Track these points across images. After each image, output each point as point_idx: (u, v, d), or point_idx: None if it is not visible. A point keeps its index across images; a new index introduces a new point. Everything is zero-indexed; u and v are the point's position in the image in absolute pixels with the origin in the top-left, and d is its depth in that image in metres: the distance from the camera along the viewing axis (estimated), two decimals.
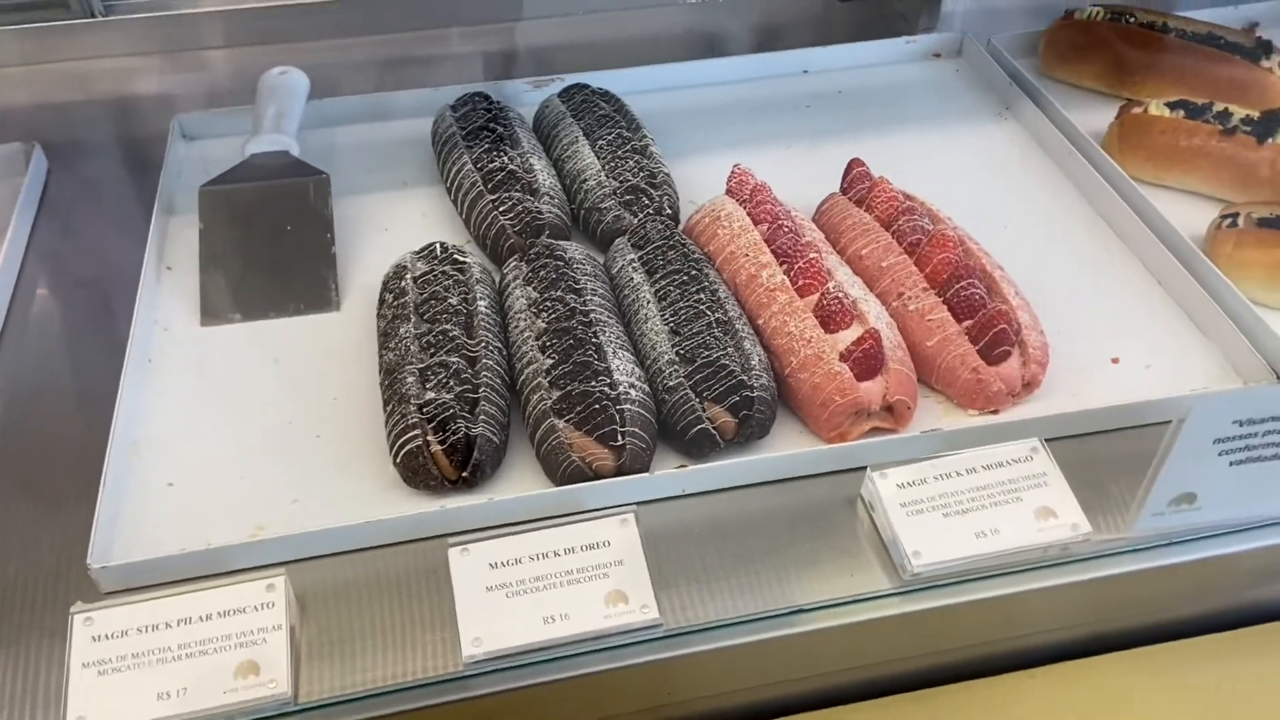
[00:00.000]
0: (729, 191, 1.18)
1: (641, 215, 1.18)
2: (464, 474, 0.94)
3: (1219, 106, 1.27)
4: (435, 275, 1.07)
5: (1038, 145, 1.39)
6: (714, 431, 0.97)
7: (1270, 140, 1.22)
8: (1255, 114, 1.25)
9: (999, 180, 1.35)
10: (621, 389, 0.95)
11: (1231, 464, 0.86)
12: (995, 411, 1.03)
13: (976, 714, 0.94)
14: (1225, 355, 1.08)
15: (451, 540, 0.87)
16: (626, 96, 1.44)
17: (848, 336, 1.00)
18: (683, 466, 0.97)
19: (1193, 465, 0.86)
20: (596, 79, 1.45)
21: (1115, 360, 1.09)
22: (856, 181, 1.21)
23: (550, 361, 0.98)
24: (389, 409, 0.97)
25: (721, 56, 1.57)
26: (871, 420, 1.00)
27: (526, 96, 1.46)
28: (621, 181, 1.21)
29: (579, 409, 0.94)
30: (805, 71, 1.56)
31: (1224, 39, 1.40)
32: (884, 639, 0.91)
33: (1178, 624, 0.98)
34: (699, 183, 1.29)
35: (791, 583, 0.90)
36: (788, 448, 1.00)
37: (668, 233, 1.12)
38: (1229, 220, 1.16)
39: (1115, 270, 1.20)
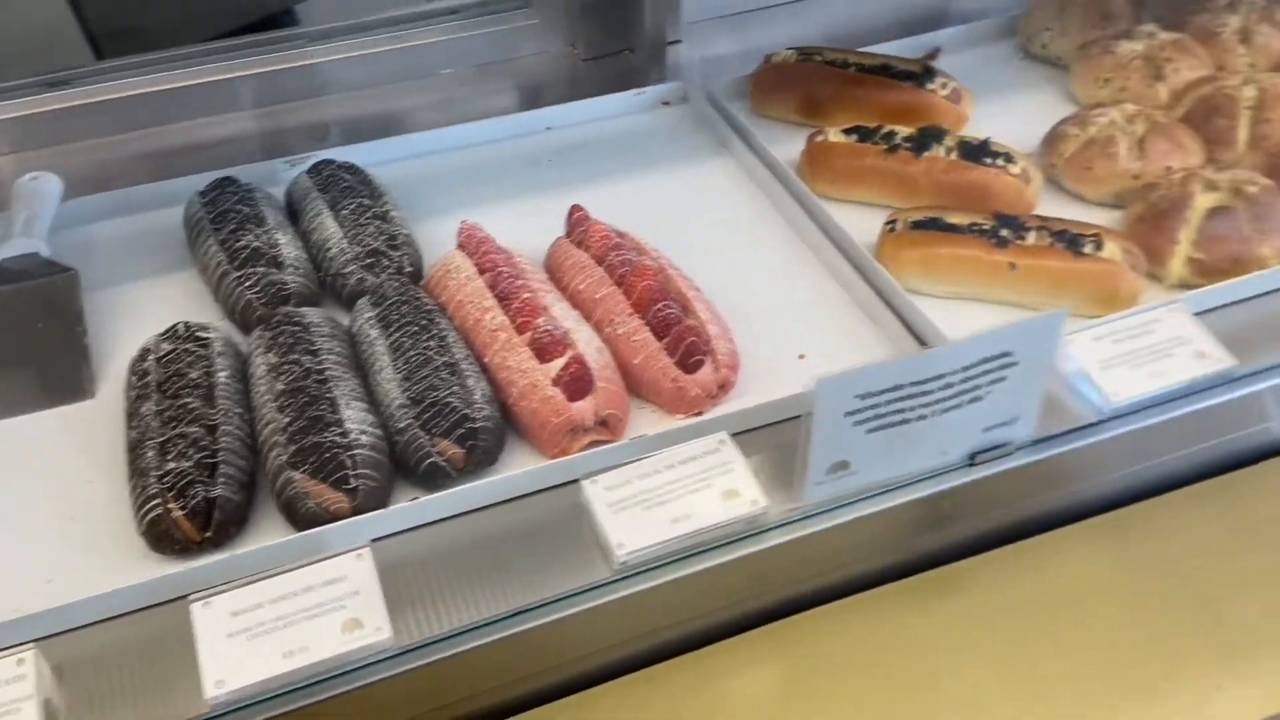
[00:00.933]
0: (460, 246, 1.30)
1: (382, 276, 1.29)
2: (207, 534, 1.02)
3: (886, 129, 1.47)
4: (178, 354, 1.15)
5: (747, 176, 1.56)
6: (444, 464, 1.08)
7: (925, 154, 1.42)
8: (914, 132, 1.46)
9: (715, 209, 1.51)
10: (352, 436, 1.05)
11: (868, 432, 1.02)
12: (699, 413, 1.17)
13: (699, 684, 1.07)
14: (892, 342, 1.26)
15: (194, 596, 0.95)
16: (381, 166, 1.56)
17: (560, 364, 1.13)
18: (416, 499, 1.08)
19: (836, 437, 1.01)
20: (348, 153, 1.56)
21: (802, 356, 1.25)
22: (576, 225, 1.35)
23: (287, 420, 1.07)
24: (132, 483, 1.05)
25: (480, 119, 1.72)
26: (589, 435, 1.13)
27: (284, 174, 1.55)
28: (363, 246, 1.32)
29: (312, 459, 1.03)
30: (548, 129, 1.70)
31: (896, 68, 1.61)
32: (604, 624, 1.03)
33: (864, 578, 1.14)
34: (443, 241, 1.41)
35: (519, 588, 1.02)
36: (521, 470, 1.12)
37: (403, 290, 1.23)
38: (890, 225, 1.34)
39: (805, 278, 1.38)
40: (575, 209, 1.37)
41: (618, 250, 1.26)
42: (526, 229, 1.42)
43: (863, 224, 1.40)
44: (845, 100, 1.60)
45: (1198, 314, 1.24)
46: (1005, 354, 1.03)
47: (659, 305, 1.18)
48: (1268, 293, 1.28)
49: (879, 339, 1.27)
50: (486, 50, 1.89)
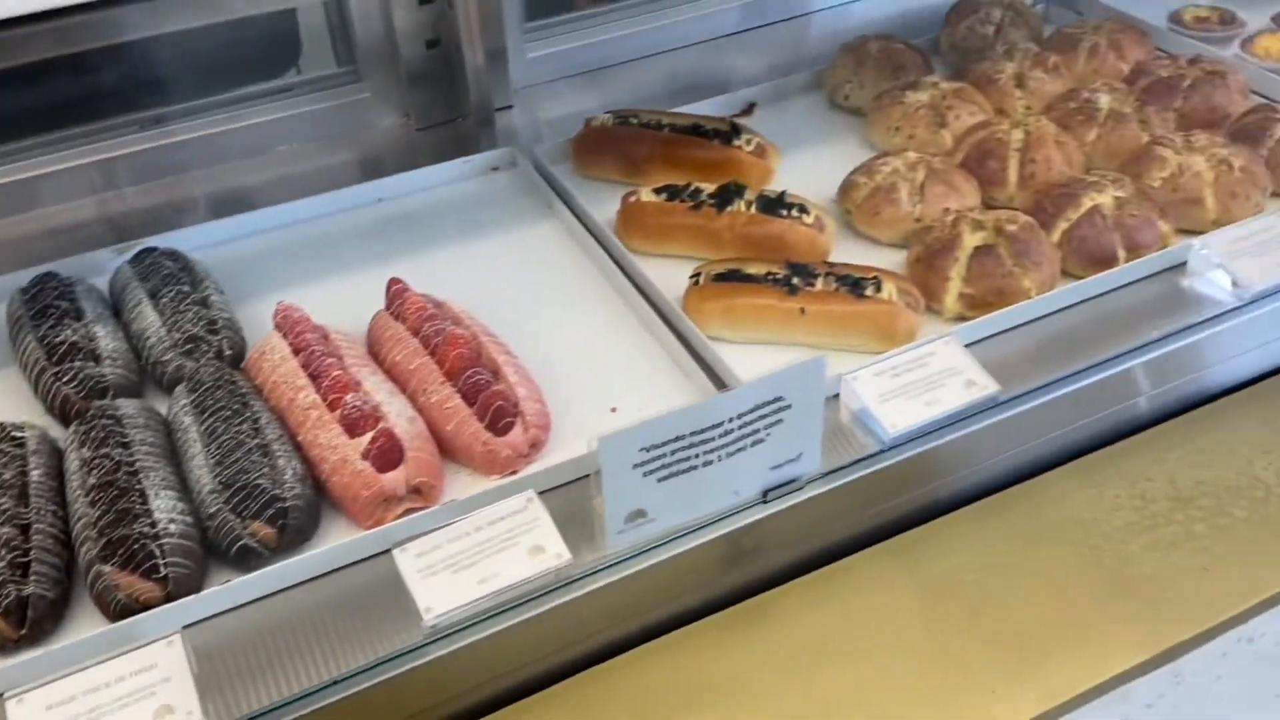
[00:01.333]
0: (276, 327, 1.34)
1: (200, 361, 1.32)
2: (22, 632, 1.04)
3: (693, 187, 1.56)
4: None
5: (569, 237, 1.64)
6: (256, 545, 1.11)
7: (728, 209, 1.52)
8: (722, 187, 1.56)
9: (539, 271, 1.58)
10: (161, 526, 1.08)
11: (659, 480, 1.09)
12: (514, 472, 1.23)
13: None
14: (698, 390, 1.34)
15: (9, 694, 0.96)
16: (212, 248, 1.60)
17: (369, 438, 1.17)
18: (228, 581, 1.11)
19: (628, 489, 1.08)
20: (177, 238, 1.59)
21: (614, 409, 1.33)
22: (394, 298, 1.40)
23: (97, 514, 1.09)
24: None
25: (315, 195, 1.76)
26: (403, 503, 1.17)
27: (111, 264, 1.57)
28: (182, 333, 1.35)
29: (121, 551, 1.06)
30: (379, 200, 1.76)
31: (706, 128, 1.71)
32: (420, 686, 1.07)
33: (678, 616, 1.21)
34: (271, 322, 1.44)
35: (333, 659, 1.05)
36: (329, 546, 1.16)
37: (219, 374, 1.27)
38: (695, 278, 1.43)
39: (621, 332, 1.45)
40: (394, 282, 1.42)
41: (432, 321, 1.32)
42: (357, 302, 1.47)
43: (675, 277, 1.49)
44: (659, 160, 1.69)
45: (969, 345, 1.36)
46: (778, 399, 1.11)
47: (469, 372, 1.24)
48: (1029, 321, 1.40)
49: (687, 387, 1.35)
50: (322, 125, 1.94)
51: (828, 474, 1.22)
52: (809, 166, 1.74)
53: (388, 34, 1.87)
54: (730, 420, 1.09)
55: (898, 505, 1.29)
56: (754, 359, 1.37)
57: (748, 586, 1.23)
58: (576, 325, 1.48)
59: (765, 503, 1.19)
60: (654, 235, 1.55)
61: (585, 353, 1.42)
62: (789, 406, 1.12)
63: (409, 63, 1.88)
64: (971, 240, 1.42)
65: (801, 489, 1.20)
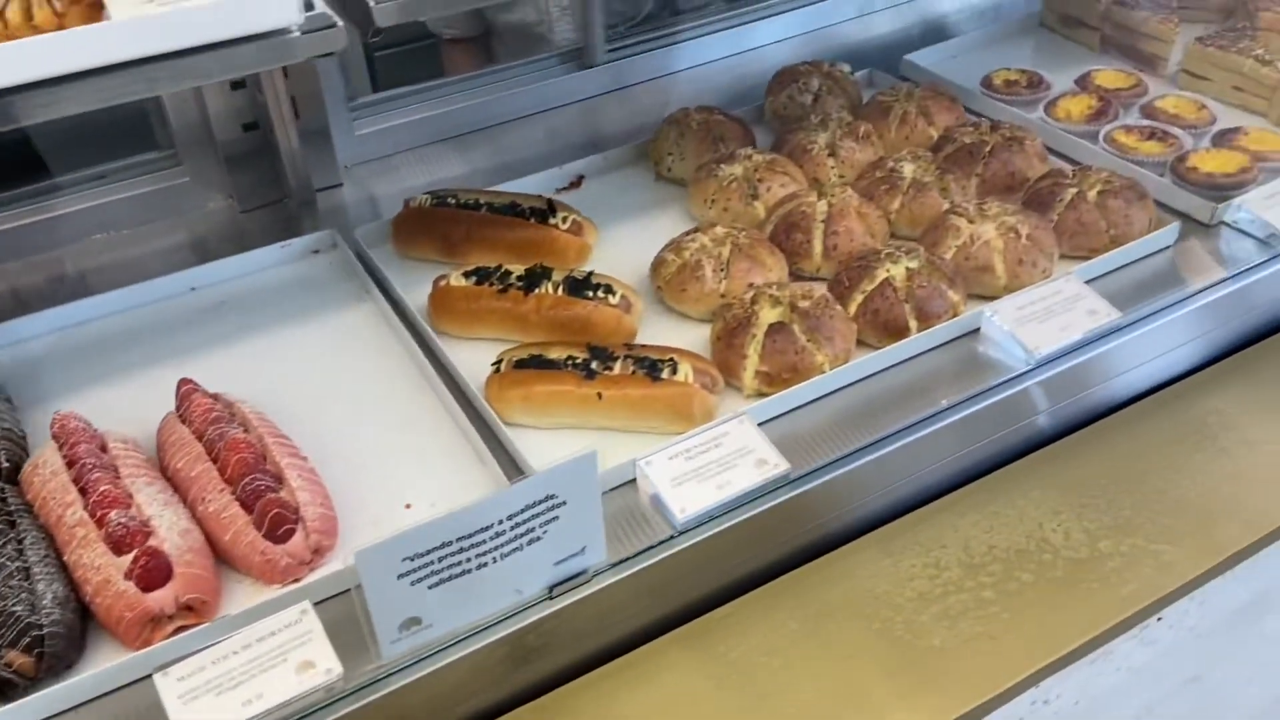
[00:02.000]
0: (54, 438, 1.30)
1: None
2: None
3: (503, 269, 1.56)
4: None
5: (384, 322, 1.63)
6: (12, 675, 1.06)
7: (535, 292, 1.52)
8: (529, 270, 1.57)
9: (351, 358, 1.56)
10: None
11: (430, 587, 1.08)
12: (297, 580, 1.20)
13: None
14: (496, 480, 1.33)
15: None
16: (9, 348, 1.54)
17: (133, 556, 1.13)
18: None
19: (395, 598, 1.06)
20: None
21: (409, 506, 1.31)
22: (182, 400, 1.37)
23: None
24: None
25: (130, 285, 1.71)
26: (175, 622, 1.13)
27: None
28: None
29: None
30: (192, 289, 1.72)
31: (522, 206, 1.72)
32: None
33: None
34: None
35: None
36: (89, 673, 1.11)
37: None
38: (496, 366, 1.43)
39: (425, 422, 1.44)
40: (184, 383, 1.39)
41: (216, 424, 1.29)
42: (160, 401, 1.43)
43: (486, 362, 1.48)
44: (476, 240, 1.69)
45: (766, 422, 1.39)
46: (550, 496, 1.11)
47: (249, 478, 1.21)
48: (826, 395, 1.43)
49: (487, 478, 1.34)
50: (141, 212, 1.90)
51: (616, 564, 1.22)
52: (632, 240, 1.76)
53: (203, 118, 1.84)
54: (500, 522, 1.09)
55: (693, 589, 1.30)
56: (556, 445, 1.38)
57: (540, 684, 1.22)
58: (382, 415, 1.46)
59: (551, 598, 1.18)
60: (463, 319, 1.55)
61: (388, 444, 1.41)
62: (564, 503, 1.12)
63: (227, 145, 1.86)
64: (768, 317, 1.45)
65: (588, 582, 1.20)
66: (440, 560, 1.07)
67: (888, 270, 1.52)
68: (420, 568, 1.06)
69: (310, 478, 1.27)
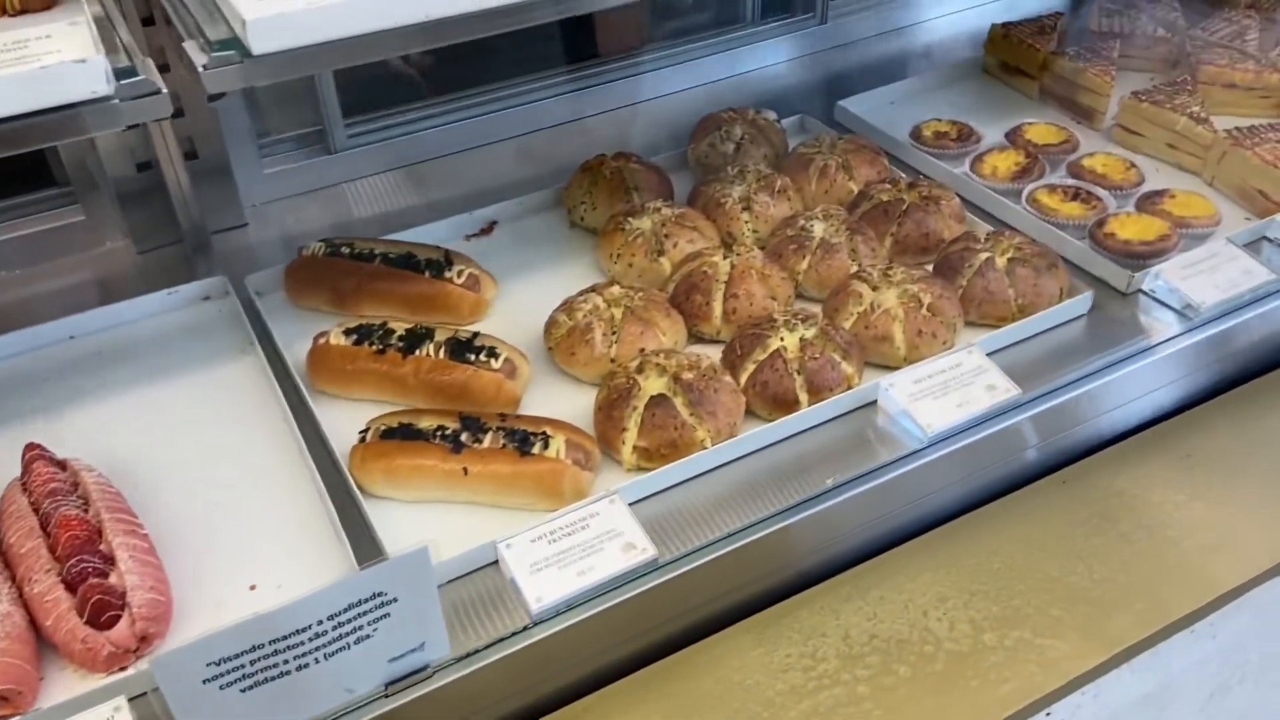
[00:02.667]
0: None
1: None
2: None
3: (384, 328, 1.50)
4: None
5: (264, 377, 1.56)
6: None
7: (414, 354, 1.46)
8: (410, 329, 1.51)
9: (223, 419, 1.50)
10: None
11: (242, 691, 1.01)
12: (124, 668, 1.14)
13: None
14: (350, 560, 1.27)
15: None
16: None
17: None
18: None
19: (202, 704, 1.00)
20: None
21: (253, 587, 1.25)
22: (26, 467, 1.30)
23: None
24: None
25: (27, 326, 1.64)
26: None
27: None
28: None
29: None
30: (71, 338, 1.66)
31: (418, 258, 1.66)
32: None
33: None
34: None
35: None
36: None
37: None
38: (363, 434, 1.37)
39: (286, 491, 1.37)
40: (30, 448, 1.32)
41: (53, 497, 1.22)
42: (13, 463, 1.36)
43: (361, 425, 1.42)
44: (367, 293, 1.63)
45: (638, 502, 1.33)
46: (378, 594, 1.05)
47: (76, 559, 1.15)
48: (704, 473, 1.37)
49: (343, 558, 1.28)
50: (33, 251, 1.84)
51: (464, 657, 1.16)
52: (539, 292, 1.69)
53: (95, 156, 1.78)
54: (320, 623, 1.02)
55: (553, 680, 1.24)
56: (419, 521, 1.32)
57: None
58: (245, 483, 1.39)
59: (388, 696, 1.12)
60: (341, 380, 1.49)
61: (246, 516, 1.34)
62: (394, 600, 1.06)
63: (120, 184, 1.79)
64: (651, 388, 1.39)
65: (429, 677, 1.14)
66: (253, 664, 1.00)
67: (781, 339, 1.46)
68: (229, 672, 0.99)
69: (144, 558, 1.20)
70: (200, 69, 1.03)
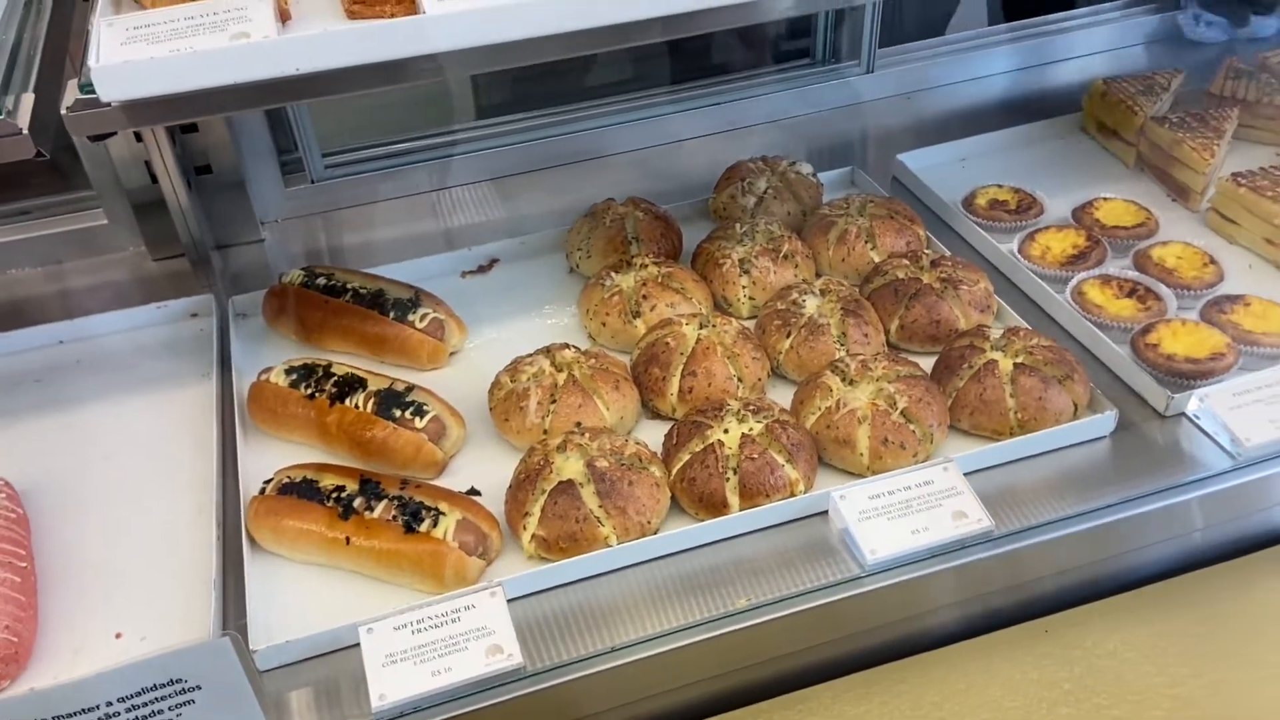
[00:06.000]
0: None
1: None
2: None
3: (323, 371, 1.45)
4: None
5: (214, 407, 1.54)
6: None
7: (341, 404, 1.40)
8: (346, 376, 1.45)
9: (162, 446, 1.49)
10: None
11: None
12: None
13: None
14: (214, 621, 1.22)
15: None
16: None
17: None
18: None
19: None
20: None
21: (119, 636, 1.21)
22: None
23: None
24: None
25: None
26: None
27: None
28: None
29: None
30: (60, 342, 1.69)
31: (388, 296, 1.61)
32: None
33: None
34: None
35: None
36: None
37: None
38: (264, 486, 1.32)
39: (190, 535, 1.33)
40: None
41: None
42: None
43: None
44: (330, 329, 1.59)
45: (523, 597, 1.22)
46: (176, 680, 0.99)
47: None
48: (592, 577, 1.24)
49: (201, 621, 1.23)
50: (59, 250, 1.90)
51: None
52: (518, 339, 1.60)
53: (110, 164, 1.82)
54: (110, 704, 0.97)
55: None
56: (301, 585, 1.26)
57: None
58: (149, 520, 1.37)
59: None
60: (273, 421, 1.45)
61: (137, 556, 1.32)
62: (198, 688, 1.00)
63: (134, 193, 1.83)
64: (564, 471, 1.27)
65: None
66: None
67: (725, 431, 1.31)
68: None
69: (11, 594, 1.19)
70: (64, 111, 1.00)
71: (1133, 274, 1.61)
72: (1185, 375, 1.41)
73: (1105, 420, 1.38)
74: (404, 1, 1.05)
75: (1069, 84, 2.29)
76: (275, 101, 1.05)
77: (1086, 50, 2.40)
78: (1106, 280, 1.59)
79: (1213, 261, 1.63)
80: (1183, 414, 1.40)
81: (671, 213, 1.84)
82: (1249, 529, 1.38)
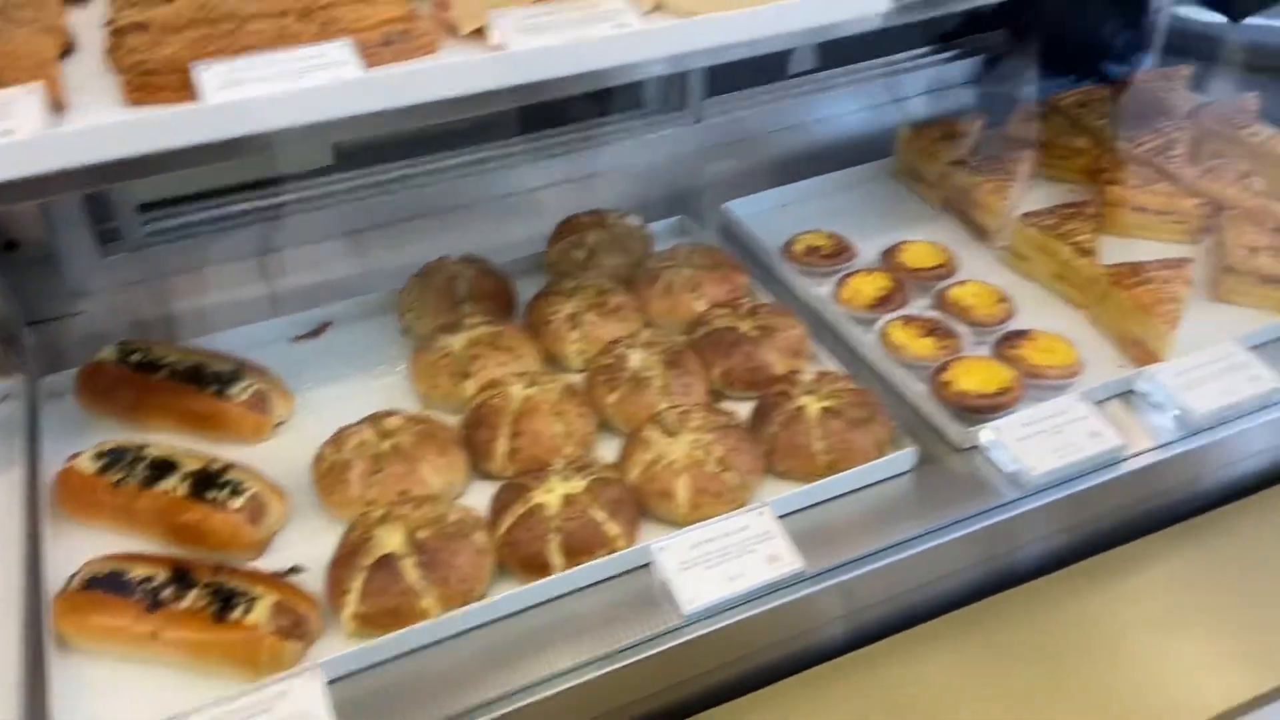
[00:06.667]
0: None
1: None
2: None
3: (135, 455, 1.40)
4: None
5: (19, 497, 1.48)
6: None
7: (154, 488, 1.36)
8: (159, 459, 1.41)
9: None
10: None
11: None
12: None
13: None
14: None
15: None
16: None
17: None
18: None
19: None
20: None
21: None
22: None
23: None
24: None
25: None
26: None
27: None
28: None
29: None
30: None
31: (207, 370, 1.57)
32: None
33: None
34: None
35: None
36: None
37: None
38: (71, 578, 1.27)
39: None
40: None
41: None
42: None
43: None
44: (148, 408, 1.55)
45: (344, 678, 1.21)
46: None
47: None
48: (418, 649, 1.25)
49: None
50: None
51: None
52: (349, 407, 1.54)
53: None
54: None
55: None
56: (113, 684, 1.22)
57: None
58: None
59: None
60: (83, 510, 1.40)
61: None
62: None
63: None
64: (386, 544, 1.27)
65: None
66: None
67: (549, 491, 1.34)
68: None
69: None
70: None
71: (932, 314, 1.71)
72: (977, 410, 1.51)
73: (906, 457, 1.46)
74: (183, 89, 1.05)
75: (887, 128, 2.43)
76: (52, 194, 1.03)
77: (908, 93, 2.55)
78: (909, 320, 1.69)
79: (1005, 299, 1.75)
80: (977, 447, 1.51)
81: (508, 268, 1.87)
82: (1039, 554, 1.48)
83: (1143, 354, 1.63)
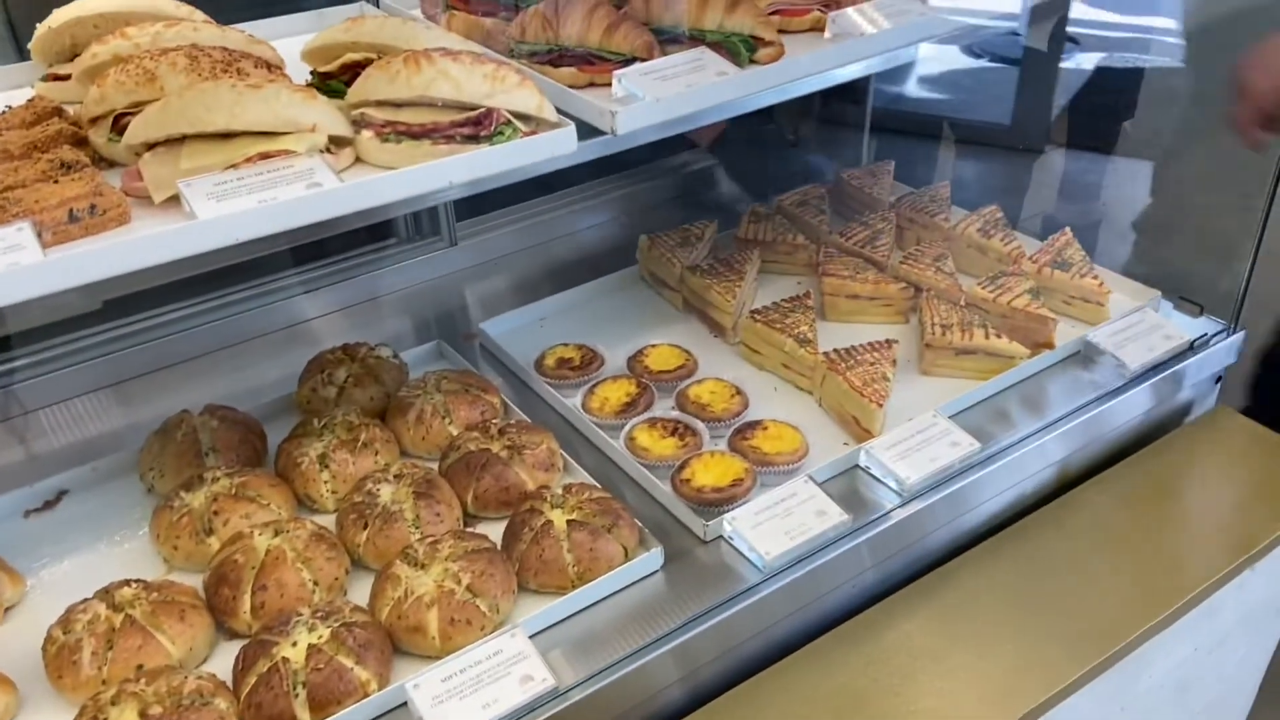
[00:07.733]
0: None
1: None
2: None
3: None
4: None
5: None
6: None
7: None
8: None
9: None
10: None
11: None
12: None
13: None
14: None
15: None
16: None
17: None
18: None
19: None
20: None
21: None
22: None
23: None
24: None
25: None
26: None
27: None
28: None
29: None
30: None
31: None
32: None
33: None
34: None
35: None
36: None
37: None
38: None
39: None
40: None
41: None
42: None
43: None
44: None
45: None
46: None
47: None
48: None
49: None
50: None
51: None
52: (89, 583, 1.45)
53: None
54: None
55: None
56: None
57: None
58: None
59: None
60: None
61: None
62: None
63: None
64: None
65: None
66: None
67: (290, 645, 1.32)
68: None
69: None
70: None
71: (674, 414, 1.82)
72: (713, 504, 1.61)
73: (653, 557, 1.53)
74: None
75: (633, 237, 2.58)
76: None
77: (650, 203, 2.73)
78: (653, 423, 1.79)
79: (739, 392, 1.88)
80: (720, 537, 1.60)
81: (257, 413, 1.85)
82: (786, 632, 1.58)
83: (860, 431, 1.79)
